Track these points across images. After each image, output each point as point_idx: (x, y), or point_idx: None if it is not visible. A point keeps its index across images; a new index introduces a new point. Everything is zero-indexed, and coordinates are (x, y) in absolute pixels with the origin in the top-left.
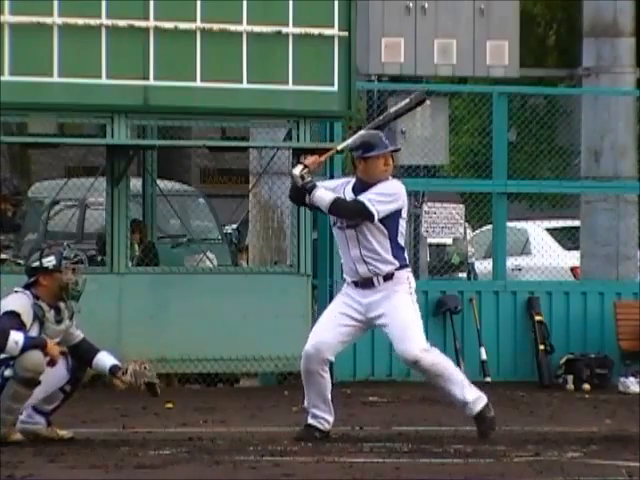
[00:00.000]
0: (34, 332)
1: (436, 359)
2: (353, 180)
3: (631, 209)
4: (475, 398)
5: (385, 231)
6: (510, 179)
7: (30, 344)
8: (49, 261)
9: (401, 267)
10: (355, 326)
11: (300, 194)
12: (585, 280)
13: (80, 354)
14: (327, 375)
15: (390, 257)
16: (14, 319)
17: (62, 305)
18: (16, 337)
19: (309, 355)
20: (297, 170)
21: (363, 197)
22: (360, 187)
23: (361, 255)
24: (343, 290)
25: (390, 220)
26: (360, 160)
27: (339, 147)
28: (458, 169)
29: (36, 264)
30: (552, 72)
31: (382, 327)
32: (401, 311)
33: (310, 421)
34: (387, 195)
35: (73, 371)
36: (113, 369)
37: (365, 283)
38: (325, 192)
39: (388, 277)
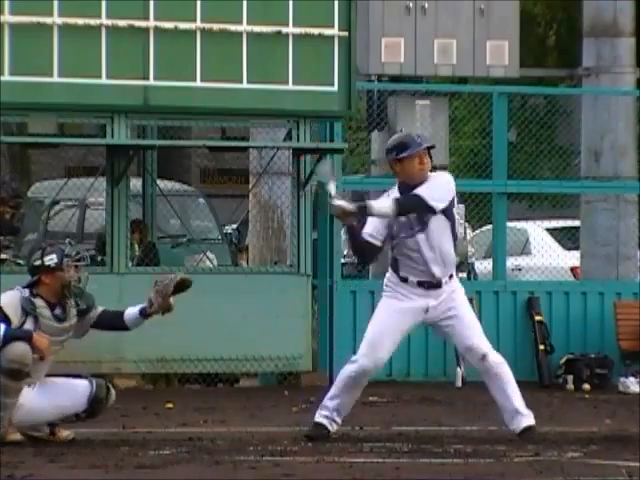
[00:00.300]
0: (28, 327)
1: (501, 359)
2: (395, 188)
3: (631, 209)
4: (527, 413)
5: (448, 222)
6: (510, 179)
7: (12, 335)
8: (51, 259)
9: None
10: (410, 329)
11: (364, 246)
12: (585, 280)
13: (108, 324)
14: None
15: (454, 254)
16: None
17: (69, 302)
18: None
19: (367, 371)
20: (338, 201)
21: (415, 192)
22: (406, 190)
23: (437, 256)
24: (395, 292)
25: (448, 211)
26: (396, 162)
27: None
28: (458, 169)
29: (38, 262)
30: (552, 72)
31: (445, 327)
32: (467, 309)
33: (320, 419)
34: (439, 185)
35: (93, 403)
36: (143, 311)
37: (434, 284)
38: (379, 200)
39: (451, 276)
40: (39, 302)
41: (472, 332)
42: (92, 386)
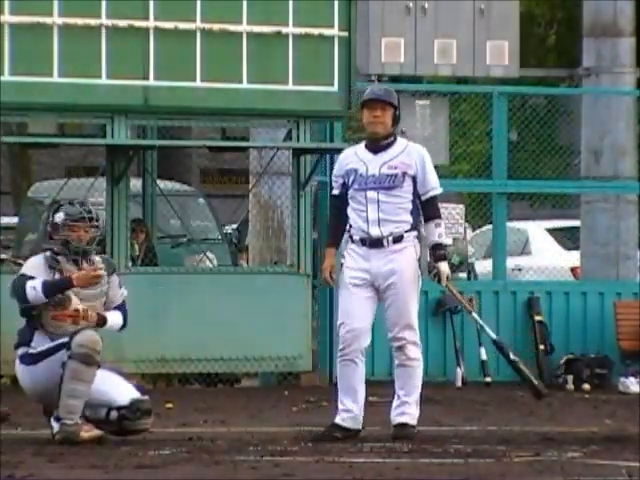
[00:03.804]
0: None
1: (418, 356)
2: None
3: (631, 209)
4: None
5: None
6: (511, 179)
7: (52, 285)
8: (59, 217)
9: None
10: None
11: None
12: (585, 280)
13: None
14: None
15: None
16: (25, 277)
17: (95, 258)
18: (32, 283)
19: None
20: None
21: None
22: None
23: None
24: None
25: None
26: None
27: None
28: (469, 174)
29: (50, 219)
30: (552, 72)
31: (385, 299)
32: (408, 284)
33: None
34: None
35: (132, 404)
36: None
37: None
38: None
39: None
40: (62, 258)
41: (399, 320)
42: (141, 393)
